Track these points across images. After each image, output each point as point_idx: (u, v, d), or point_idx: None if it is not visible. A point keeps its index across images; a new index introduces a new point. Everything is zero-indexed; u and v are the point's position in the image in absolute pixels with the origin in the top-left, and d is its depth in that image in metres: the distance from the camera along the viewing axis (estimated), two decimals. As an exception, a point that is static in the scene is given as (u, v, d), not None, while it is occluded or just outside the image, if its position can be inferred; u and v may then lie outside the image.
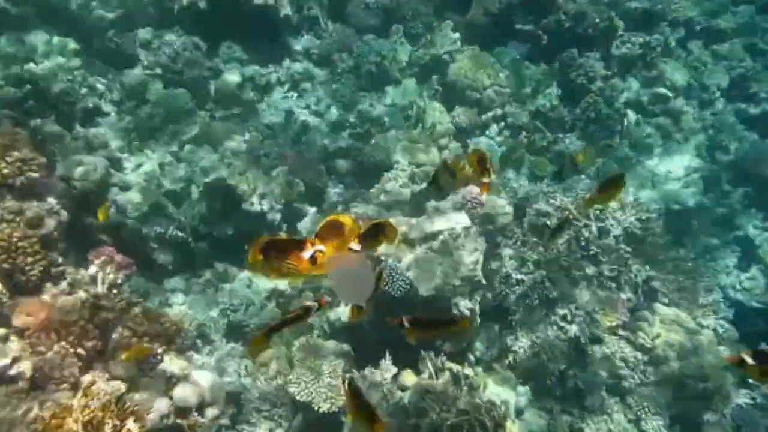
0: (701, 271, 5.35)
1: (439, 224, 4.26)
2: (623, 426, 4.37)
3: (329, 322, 4.38)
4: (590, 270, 4.60)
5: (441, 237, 4.22)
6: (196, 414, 3.33)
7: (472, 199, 4.42)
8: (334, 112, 6.00)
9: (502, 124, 6.09)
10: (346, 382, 2.14)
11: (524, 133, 6.02)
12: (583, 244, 4.63)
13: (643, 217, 4.80)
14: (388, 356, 4.01)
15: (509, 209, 4.63)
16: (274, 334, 2.09)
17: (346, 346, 4.22)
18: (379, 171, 5.28)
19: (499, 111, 6.06)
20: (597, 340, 4.55)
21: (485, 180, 2.54)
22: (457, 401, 3.55)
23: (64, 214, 3.71)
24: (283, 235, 4.88)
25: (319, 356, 4.08)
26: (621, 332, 4.61)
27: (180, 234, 4.83)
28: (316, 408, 3.92)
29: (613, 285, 4.65)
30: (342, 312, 4.32)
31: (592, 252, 4.62)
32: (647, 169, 6.56)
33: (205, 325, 4.62)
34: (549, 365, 4.35)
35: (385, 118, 5.90)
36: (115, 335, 3.22)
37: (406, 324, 2.03)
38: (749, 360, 2.00)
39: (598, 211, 4.66)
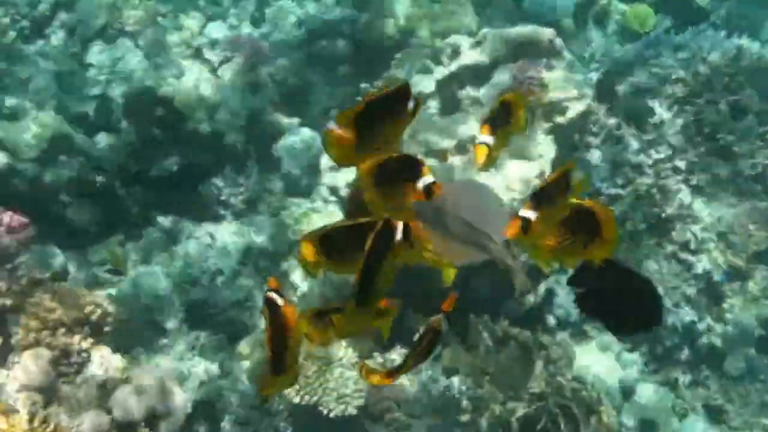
0: None
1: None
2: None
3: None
4: (722, 170, 4.59)
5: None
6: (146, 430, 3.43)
7: (526, 78, 4.38)
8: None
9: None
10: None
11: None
12: (707, 130, 4.59)
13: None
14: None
15: (588, 89, 4.55)
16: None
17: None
18: (386, 53, 5.23)
19: None
20: (742, 276, 4.55)
21: None
22: (530, 383, 3.55)
23: None
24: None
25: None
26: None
27: (99, 177, 4.78)
28: (324, 411, 3.91)
29: (759, 188, 4.63)
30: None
31: (721, 142, 4.58)
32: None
33: (152, 307, 4.62)
34: (669, 319, 4.35)
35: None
36: (18, 328, 3.31)
37: None
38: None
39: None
